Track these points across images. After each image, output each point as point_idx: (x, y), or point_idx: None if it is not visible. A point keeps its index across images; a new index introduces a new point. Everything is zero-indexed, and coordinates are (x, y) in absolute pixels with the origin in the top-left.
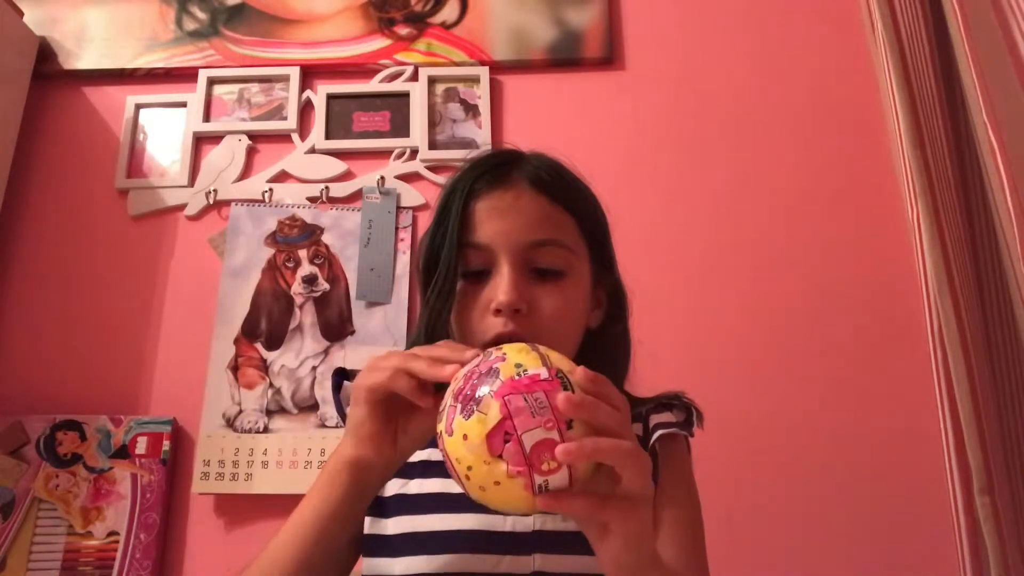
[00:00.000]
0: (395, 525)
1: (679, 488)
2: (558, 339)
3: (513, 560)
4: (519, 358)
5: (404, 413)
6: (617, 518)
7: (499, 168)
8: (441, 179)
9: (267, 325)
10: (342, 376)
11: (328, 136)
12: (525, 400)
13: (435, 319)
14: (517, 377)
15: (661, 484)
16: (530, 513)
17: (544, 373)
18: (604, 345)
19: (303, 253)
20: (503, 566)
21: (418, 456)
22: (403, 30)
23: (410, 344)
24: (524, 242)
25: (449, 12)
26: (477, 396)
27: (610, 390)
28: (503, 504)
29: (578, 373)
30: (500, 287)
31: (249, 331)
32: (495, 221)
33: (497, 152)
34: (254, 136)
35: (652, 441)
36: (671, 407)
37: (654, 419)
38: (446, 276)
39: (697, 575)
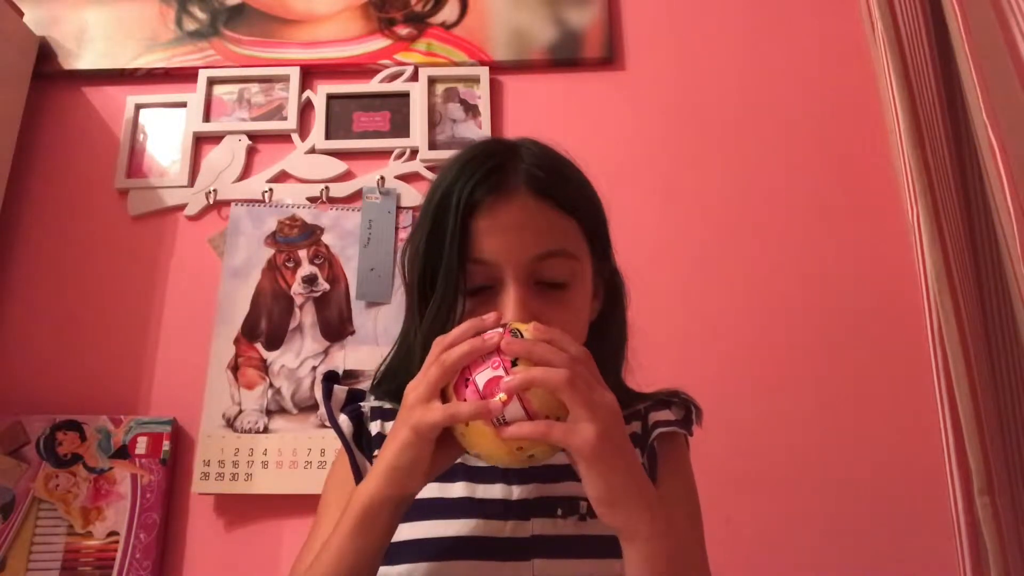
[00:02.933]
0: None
1: (678, 487)
2: None
3: (513, 566)
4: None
5: (441, 439)
6: (564, 441)
7: (495, 173)
8: None
9: (267, 325)
10: (332, 381)
11: (328, 136)
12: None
13: (436, 336)
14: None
15: (660, 482)
16: (502, 457)
17: (500, 330)
18: (603, 334)
19: (303, 253)
20: (503, 572)
21: None
22: (403, 30)
23: (400, 355)
24: (530, 256)
25: (449, 12)
26: None
27: (558, 336)
28: (480, 446)
29: (531, 328)
30: (508, 307)
31: (249, 331)
32: (499, 237)
33: (489, 150)
34: (254, 136)
35: (651, 439)
36: (670, 404)
37: (653, 417)
38: (445, 293)
39: (697, 573)
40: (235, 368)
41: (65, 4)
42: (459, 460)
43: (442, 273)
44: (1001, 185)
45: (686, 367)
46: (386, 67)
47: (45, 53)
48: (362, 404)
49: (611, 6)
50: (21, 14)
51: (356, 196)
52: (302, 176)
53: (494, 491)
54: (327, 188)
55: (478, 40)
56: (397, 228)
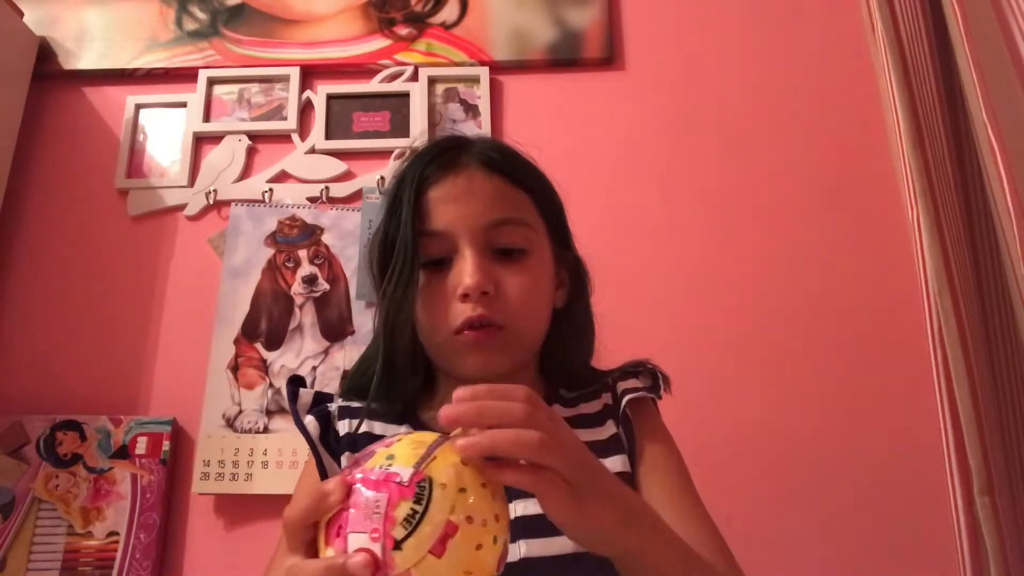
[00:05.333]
0: None
1: (660, 448)
2: (528, 317)
3: None
4: (400, 449)
5: None
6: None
7: (447, 153)
8: None
9: (267, 325)
10: (297, 384)
11: (328, 136)
12: (366, 497)
13: (395, 312)
14: (379, 468)
15: (640, 446)
16: None
17: (405, 475)
18: (569, 321)
19: (303, 253)
20: None
21: None
22: (403, 30)
23: (370, 351)
24: (483, 223)
25: (449, 12)
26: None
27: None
28: None
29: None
30: (465, 271)
31: (249, 331)
32: (450, 206)
33: (443, 138)
34: (254, 136)
35: (623, 406)
36: (637, 374)
37: (621, 386)
38: (403, 267)
39: (698, 512)
40: (235, 368)
41: (65, 4)
42: None
43: (398, 247)
44: (1001, 185)
45: (686, 366)
46: (386, 67)
47: (45, 53)
48: (329, 405)
49: (611, 6)
50: (21, 14)
51: (356, 196)
52: (302, 176)
53: None
54: (327, 188)
55: (478, 40)
56: None
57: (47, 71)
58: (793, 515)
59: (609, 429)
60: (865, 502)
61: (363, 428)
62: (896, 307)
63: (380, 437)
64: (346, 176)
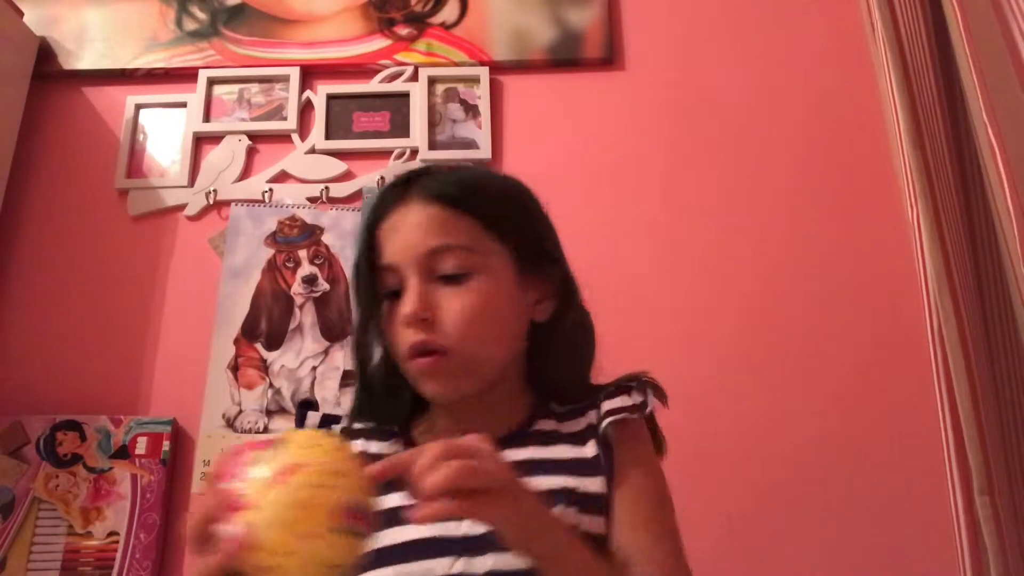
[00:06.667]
0: None
1: (638, 475)
2: (474, 339)
3: (467, 561)
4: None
5: None
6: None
7: (397, 188)
8: None
9: (267, 325)
10: (307, 407)
11: (328, 136)
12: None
13: (361, 340)
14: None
15: (619, 471)
16: None
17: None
18: (556, 337)
19: (303, 253)
20: (457, 567)
21: None
22: (403, 30)
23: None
24: (420, 252)
25: (449, 12)
26: None
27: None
28: None
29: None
30: (407, 300)
31: (249, 331)
32: (396, 239)
33: (403, 173)
34: (254, 136)
35: (602, 428)
36: (630, 389)
37: (607, 405)
38: (362, 299)
39: (661, 548)
40: (235, 368)
41: (65, 4)
42: None
43: (360, 282)
44: (1001, 185)
45: (686, 366)
46: (386, 67)
47: (45, 53)
48: (333, 426)
49: (611, 6)
50: (21, 14)
51: (356, 196)
52: (302, 176)
53: None
54: (327, 188)
55: (478, 40)
56: None
57: (47, 71)
58: (792, 515)
59: (591, 448)
60: (865, 502)
61: (360, 447)
62: (896, 307)
63: (377, 456)
64: (346, 176)
